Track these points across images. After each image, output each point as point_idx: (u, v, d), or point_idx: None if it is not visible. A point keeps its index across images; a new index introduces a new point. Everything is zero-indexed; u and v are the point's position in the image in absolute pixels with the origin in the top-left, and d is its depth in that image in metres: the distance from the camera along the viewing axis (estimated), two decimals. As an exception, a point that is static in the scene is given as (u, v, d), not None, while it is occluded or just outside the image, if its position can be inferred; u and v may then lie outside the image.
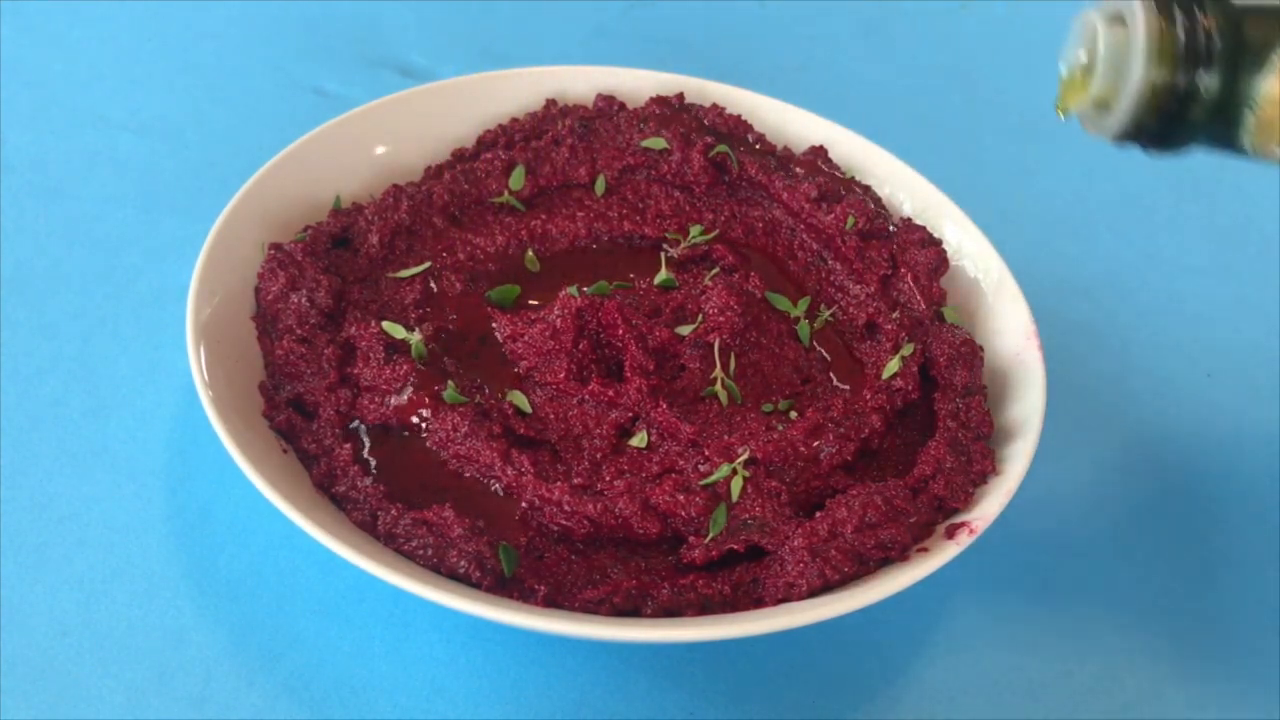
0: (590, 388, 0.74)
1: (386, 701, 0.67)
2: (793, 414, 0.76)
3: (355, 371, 0.74)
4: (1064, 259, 1.02)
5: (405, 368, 0.73)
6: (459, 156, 0.91)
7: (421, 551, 0.66)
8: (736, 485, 0.69)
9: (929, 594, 0.75)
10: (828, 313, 0.84)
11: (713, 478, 0.69)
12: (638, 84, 0.96)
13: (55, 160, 0.97)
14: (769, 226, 0.90)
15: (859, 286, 0.85)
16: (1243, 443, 0.89)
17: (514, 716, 0.67)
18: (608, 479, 0.71)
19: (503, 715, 0.67)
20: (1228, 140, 0.62)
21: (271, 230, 0.81)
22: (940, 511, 0.71)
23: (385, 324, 0.76)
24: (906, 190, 0.91)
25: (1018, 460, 0.72)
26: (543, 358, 0.76)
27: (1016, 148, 1.15)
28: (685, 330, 0.78)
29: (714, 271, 0.84)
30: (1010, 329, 0.81)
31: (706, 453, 0.71)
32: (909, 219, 0.88)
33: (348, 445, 0.71)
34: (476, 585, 0.65)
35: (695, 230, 0.87)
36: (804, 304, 0.83)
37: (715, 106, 0.94)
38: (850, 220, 0.85)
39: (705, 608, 0.66)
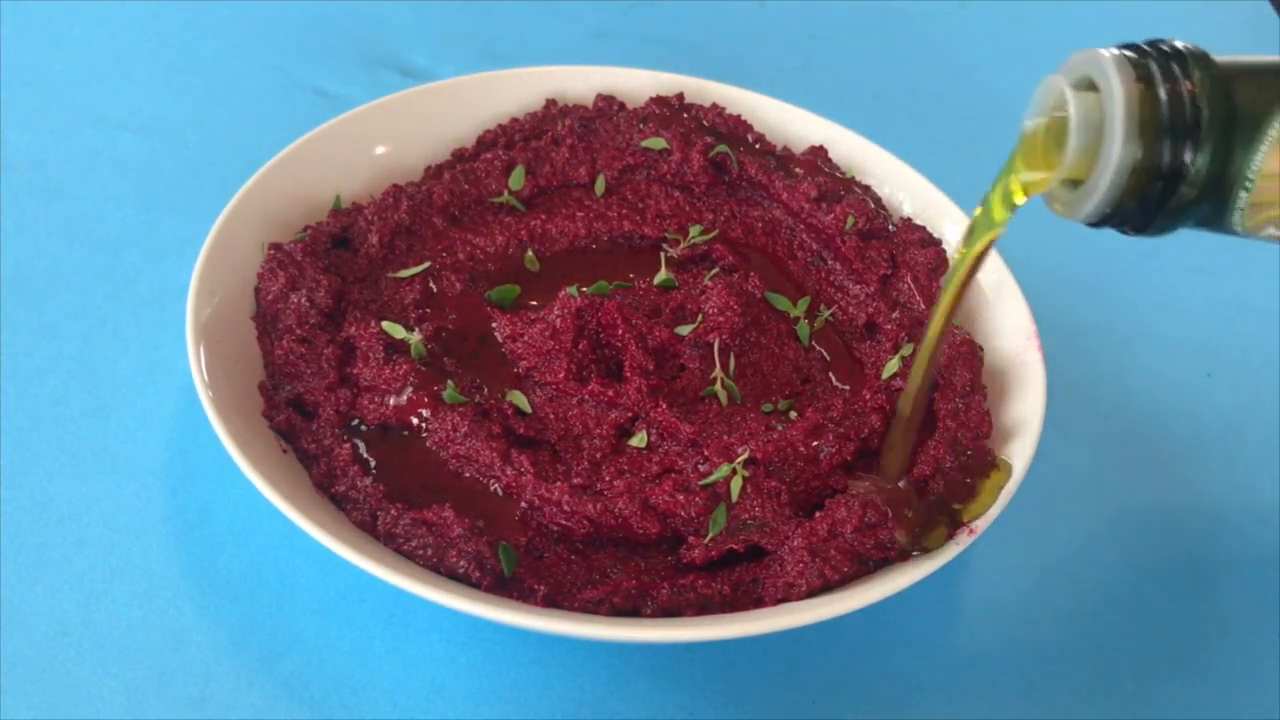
0: (590, 388, 0.74)
1: (386, 701, 0.67)
2: (792, 414, 0.76)
3: (355, 371, 0.74)
4: (1064, 259, 1.02)
5: (405, 368, 0.73)
6: (459, 156, 0.91)
7: (421, 551, 0.66)
8: (736, 485, 0.69)
9: (929, 593, 0.75)
10: (828, 313, 0.84)
11: (712, 478, 0.69)
12: (638, 84, 0.96)
13: (55, 160, 0.97)
14: (769, 226, 0.90)
15: (859, 286, 0.85)
16: (1243, 443, 0.89)
17: (514, 716, 0.67)
18: (608, 479, 0.71)
19: (503, 715, 0.67)
20: (1218, 221, 0.54)
21: (271, 230, 0.81)
22: (940, 511, 0.71)
23: (385, 324, 0.76)
24: (906, 190, 0.91)
25: (1018, 460, 0.72)
26: (542, 358, 0.76)
27: (1016, 148, 1.15)
28: (685, 330, 0.78)
29: (714, 271, 0.84)
30: (1010, 329, 0.81)
31: (706, 453, 0.71)
32: (909, 219, 0.88)
33: (347, 445, 0.71)
34: (476, 585, 0.65)
35: (695, 230, 0.87)
36: (804, 304, 0.83)
37: (715, 106, 0.94)
38: (850, 220, 0.85)
39: (705, 608, 0.66)
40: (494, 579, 0.65)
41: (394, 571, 0.62)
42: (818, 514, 0.68)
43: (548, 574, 0.67)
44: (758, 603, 0.67)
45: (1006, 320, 0.82)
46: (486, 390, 0.75)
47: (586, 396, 0.74)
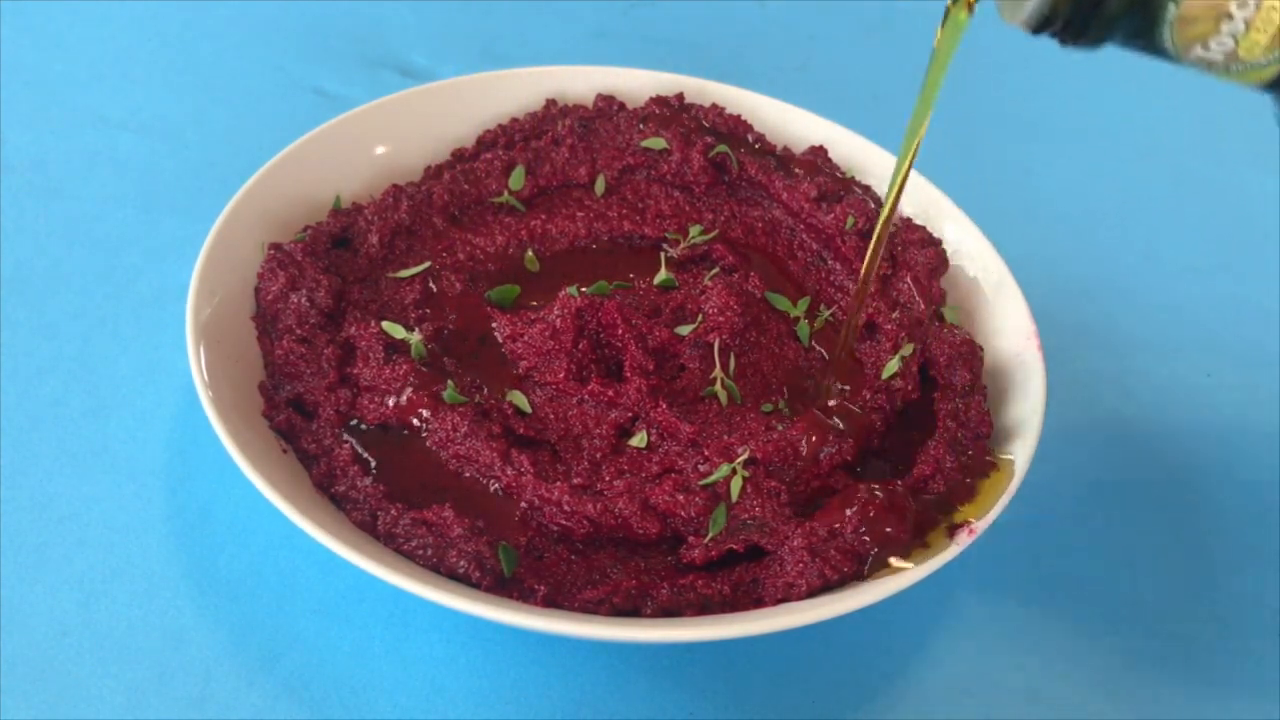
0: (590, 388, 0.74)
1: (386, 701, 0.67)
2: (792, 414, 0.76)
3: (355, 371, 0.74)
4: (1064, 259, 1.02)
5: (405, 368, 0.73)
6: (459, 156, 0.91)
7: (421, 551, 0.66)
8: (736, 485, 0.69)
9: (929, 594, 0.75)
10: (828, 313, 0.84)
11: (712, 478, 0.69)
12: (638, 84, 0.96)
13: (55, 160, 0.97)
14: (769, 226, 0.90)
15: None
16: (1243, 443, 0.89)
17: (514, 716, 0.67)
18: (608, 479, 0.71)
19: (503, 715, 0.67)
20: (1149, 36, 0.55)
21: (271, 230, 0.81)
22: (940, 511, 0.71)
23: (385, 324, 0.76)
24: (907, 190, 0.91)
25: (1018, 460, 0.72)
26: (542, 358, 0.76)
27: (1016, 148, 1.15)
28: (685, 330, 0.78)
29: (714, 271, 0.84)
30: (1010, 329, 0.81)
31: (706, 453, 0.71)
32: (909, 219, 0.88)
33: (347, 445, 0.71)
34: (476, 585, 0.65)
35: (695, 230, 0.87)
36: (804, 304, 0.83)
37: (715, 106, 0.94)
38: (850, 220, 0.85)
39: (705, 608, 0.66)
40: (494, 579, 0.65)
41: (394, 571, 0.62)
42: (818, 514, 0.68)
43: (548, 574, 0.67)
44: (758, 603, 0.67)
45: (1006, 320, 0.82)
46: (486, 390, 0.75)
47: (586, 396, 0.74)
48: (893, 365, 0.77)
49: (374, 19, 1.19)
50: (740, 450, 0.71)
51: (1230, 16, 0.53)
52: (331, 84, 1.09)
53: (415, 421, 0.72)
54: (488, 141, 0.92)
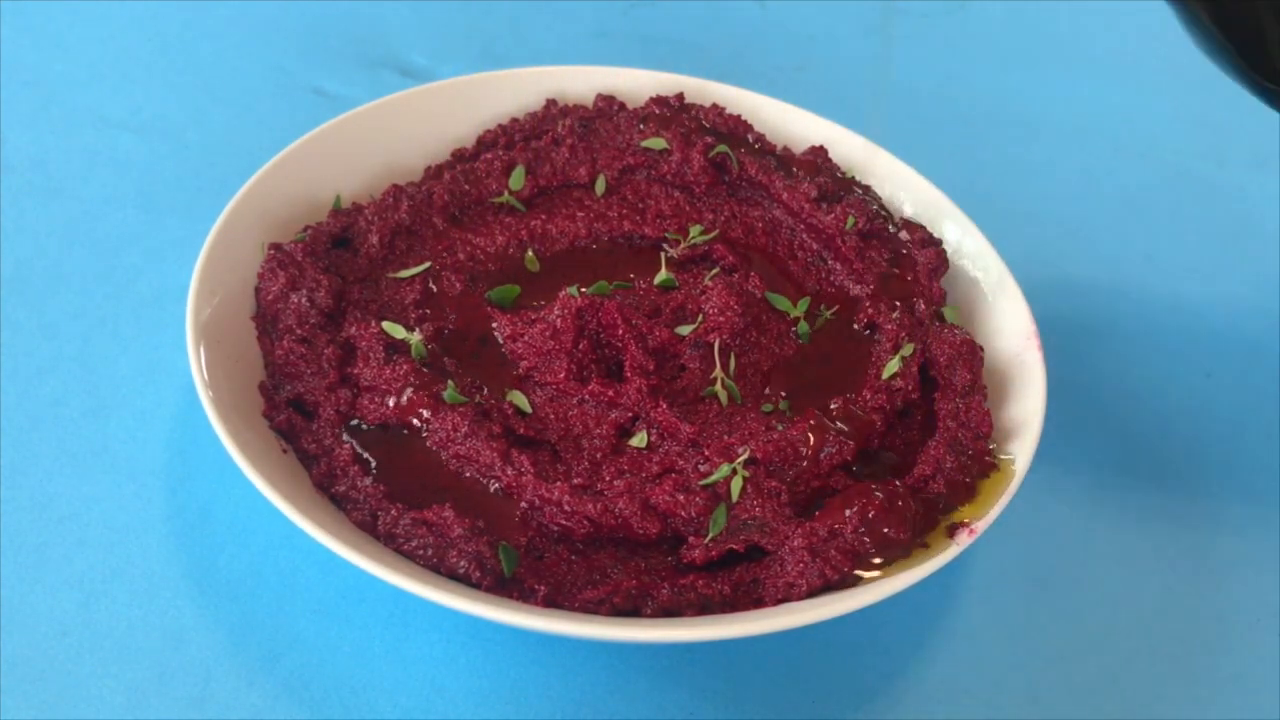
0: (590, 388, 0.74)
1: (386, 701, 0.67)
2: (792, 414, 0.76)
3: (355, 371, 0.74)
4: (1064, 259, 1.02)
5: (405, 368, 0.73)
6: (459, 156, 0.91)
7: (421, 551, 0.66)
8: (736, 485, 0.69)
9: (929, 594, 0.75)
10: (828, 313, 0.84)
11: (713, 478, 0.69)
12: (638, 84, 0.96)
13: (55, 160, 0.97)
14: (769, 226, 0.90)
15: (859, 286, 0.85)
16: (1243, 443, 0.89)
17: (514, 716, 0.67)
18: (608, 479, 0.71)
19: (503, 715, 0.67)
20: None
21: (271, 230, 0.81)
22: (940, 511, 0.71)
23: (385, 324, 0.76)
24: (906, 190, 0.91)
25: (1018, 460, 0.72)
26: (543, 358, 0.76)
27: (1016, 148, 1.15)
28: (685, 330, 0.78)
29: (714, 271, 0.84)
30: (1010, 329, 0.81)
31: (706, 453, 0.71)
32: (909, 219, 0.88)
33: (347, 445, 0.71)
34: (476, 585, 0.65)
35: (695, 230, 0.87)
36: (804, 304, 0.83)
37: (715, 106, 0.94)
38: (850, 220, 0.85)
39: (705, 608, 0.66)
40: (494, 579, 0.65)
41: (394, 571, 0.62)
42: (818, 514, 0.68)
43: (548, 574, 0.67)
44: (758, 603, 0.67)
45: (1006, 320, 0.82)
46: (486, 390, 0.75)
47: (587, 396, 0.74)
48: (893, 365, 0.77)
49: (374, 19, 1.19)
50: (740, 450, 0.71)
51: None
52: (331, 84, 1.09)
53: (415, 421, 0.72)
54: (488, 141, 0.92)
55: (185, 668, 0.67)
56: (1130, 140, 1.18)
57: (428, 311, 0.79)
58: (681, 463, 0.71)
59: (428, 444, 0.72)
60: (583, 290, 0.77)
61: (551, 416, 0.74)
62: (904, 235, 0.86)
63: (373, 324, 0.76)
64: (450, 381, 0.74)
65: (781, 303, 0.83)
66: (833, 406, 0.75)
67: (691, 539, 0.68)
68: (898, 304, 0.82)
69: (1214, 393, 0.93)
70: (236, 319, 0.76)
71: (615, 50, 1.20)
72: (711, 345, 0.77)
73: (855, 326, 0.83)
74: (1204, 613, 0.78)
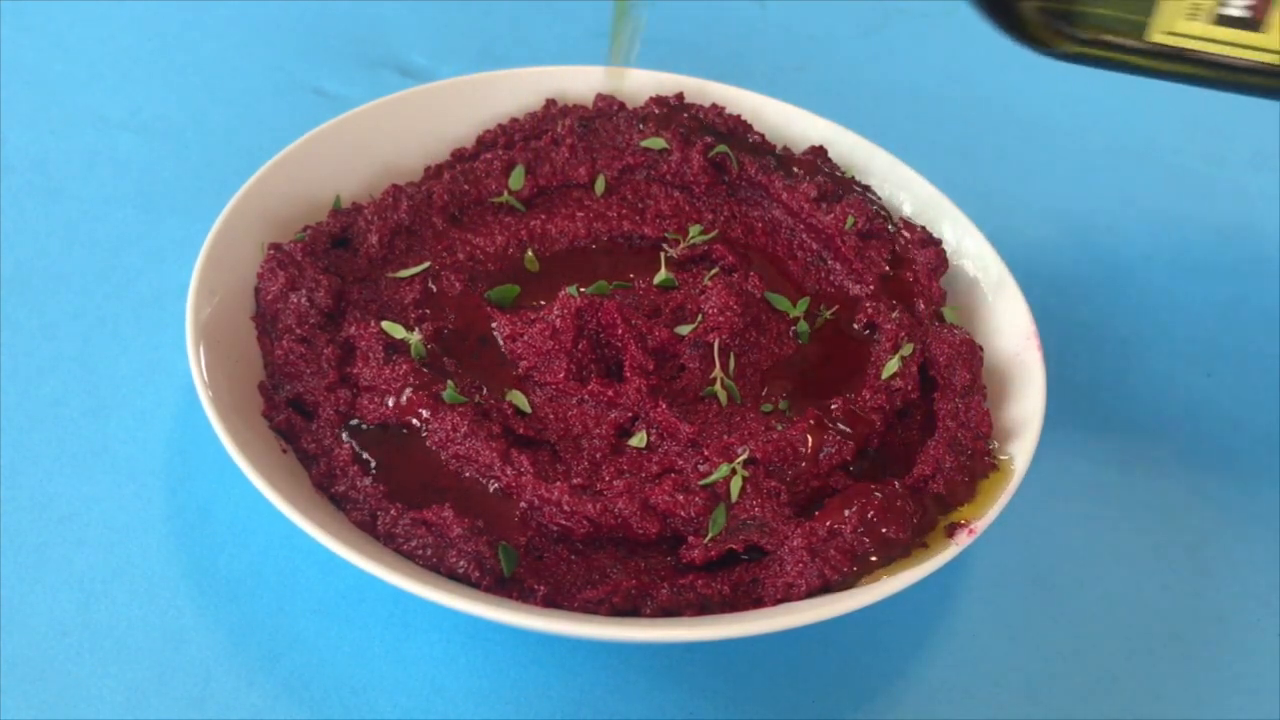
0: (590, 388, 0.74)
1: (386, 701, 0.67)
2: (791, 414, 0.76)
3: (355, 371, 0.74)
4: (1064, 259, 1.02)
5: (405, 367, 0.73)
6: (459, 156, 0.91)
7: (421, 551, 0.66)
8: (736, 485, 0.69)
9: (929, 594, 0.75)
10: (828, 313, 0.84)
11: (712, 478, 0.69)
12: (638, 84, 0.96)
13: (55, 160, 0.97)
14: (769, 226, 0.90)
15: (859, 286, 0.85)
16: (1243, 443, 0.89)
17: (514, 716, 0.67)
18: (607, 479, 0.71)
19: (502, 715, 0.67)
20: None
21: (271, 230, 0.81)
22: (940, 511, 0.71)
23: (385, 324, 0.76)
24: (906, 190, 0.91)
25: (1018, 460, 0.72)
26: (542, 358, 0.76)
27: (1016, 148, 1.15)
28: (685, 330, 0.78)
29: (713, 271, 0.84)
30: (1010, 329, 0.81)
31: (706, 453, 0.71)
32: (909, 219, 0.88)
33: (347, 445, 0.71)
34: (476, 585, 0.65)
35: (695, 230, 0.87)
36: (804, 304, 0.83)
37: (715, 106, 0.94)
38: (850, 220, 0.85)
39: (705, 608, 0.66)
40: (494, 579, 0.65)
41: (394, 571, 0.62)
42: (817, 514, 0.68)
43: (548, 574, 0.67)
44: (757, 603, 0.67)
45: (1006, 320, 0.82)
46: (486, 390, 0.75)
47: (586, 396, 0.74)
48: (893, 365, 0.77)
49: (374, 19, 1.19)
50: (740, 450, 0.71)
51: None
52: (331, 84, 1.09)
53: (415, 421, 0.72)
54: (488, 141, 0.92)
55: (185, 668, 0.67)
56: (1130, 140, 1.18)
57: (427, 311, 0.79)
58: (681, 463, 0.71)
59: (427, 444, 0.72)
60: (582, 290, 0.77)
61: (551, 416, 0.74)
62: (904, 235, 0.86)
63: (372, 324, 0.76)
64: (450, 381, 0.74)
65: (781, 303, 0.83)
66: (832, 406, 0.75)
67: (691, 539, 0.68)
68: (897, 304, 0.82)
69: (1214, 393, 0.93)
70: (236, 319, 0.76)
71: (615, 50, 1.20)
72: (711, 345, 0.77)
73: (855, 326, 0.83)
74: (1204, 613, 0.78)
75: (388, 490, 0.69)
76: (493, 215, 0.87)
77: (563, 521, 0.68)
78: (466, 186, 0.87)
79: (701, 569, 0.68)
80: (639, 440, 0.73)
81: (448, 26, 1.19)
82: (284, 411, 0.73)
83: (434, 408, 0.72)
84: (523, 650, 0.70)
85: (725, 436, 0.72)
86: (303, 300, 0.76)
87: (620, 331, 0.76)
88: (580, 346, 0.76)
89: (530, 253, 0.85)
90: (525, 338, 0.77)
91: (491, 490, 0.70)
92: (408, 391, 0.72)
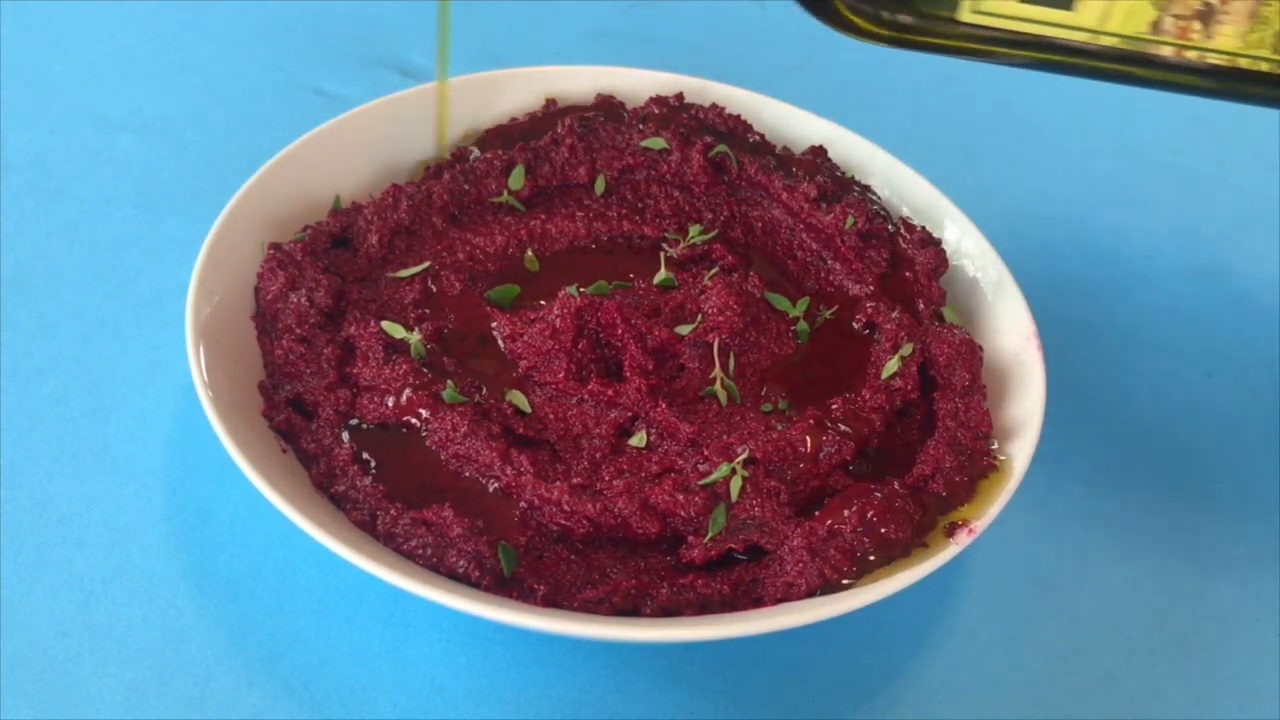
0: (590, 387, 0.74)
1: (386, 701, 0.67)
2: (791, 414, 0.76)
3: (355, 371, 0.74)
4: (1064, 259, 1.02)
5: (405, 367, 0.73)
6: (459, 156, 0.91)
7: (421, 551, 0.66)
8: (736, 485, 0.69)
9: (929, 593, 0.75)
10: (828, 313, 0.84)
11: (712, 477, 0.69)
12: (638, 84, 0.96)
13: (55, 160, 0.97)
14: (768, 226, 0.90)
15: (859, 286, 0.85)
16: (1243, 443, 0.89)
17: (514, 716, 0.67)
18: (607, 479, 0.71)
19: (502, 715, 0.67)
20: None
21: (271, 230, 0.81)
22: (940, 511, 0.71)
23: (385, 324, 0.76)
24: (906, 190, 0.91)
25: (1018, 460, 0.72)
26: (542, 357, 0.76)
27: (1016, 148, 1.15)
28: (685, 330, 0.78)
29: (713, 271, 0.84)
30: (1010, 329, 0.81)
31: (706, 452, 0.71)
32: (909, 219, 0.88)
33: (347, 445, 0.71)
34: (476, 585, 0.65)
35: (695, 230, 0.87)
36: (804, 304, 0.83)
37: (715, 106, 0.94)
38: (850, 220, 0.85)
39: (704, 607, 0.66)
40: (494, 579, 0.65)
41: (394, 571, 0.62)
42: (817, 514, 0.68)
43: (547, 574, 0.67)
44: (757, 603, 0.67)
45: (1006, 320, 0.82)
46: (486, 390, 0.75)
47: (586, 396, 0.74)
48: (892, 365, 0.77)
49: (374, 19, 1.19)
50: (740, 450, 0.71)
51: None
52: (331, 84, 1.09)
53: (415, 421, 0.72)
54: (488, 141, 0.92)
55: (185, 668, 0.67)
56: (1130, 140, 1.18)
57: (427, 311, 0.79)
58: (681, 462, 0.71)
59: (427, 444, 0.72)
60: (582, 290, 0.77)
61: (551, 416, 0.74)
62: (904, 235, 0.86)
63: (372, 324, 0.76)
64: (449, 381, 0.74)
65: (781, 303, 0.83)
66: (832, 406, 0.75)
67: (691, 539, 0.68)
68: (897, 304, 0.82)
69: (1214, 393, 0.93)
70: (236, 319, 0.76)
71: (615, 50, 1.20)
72: (711, 345, 0.77)
73: (855, 326, 0.83)
74: (1204, 613, 0.78)
75: (387, 490, 0.69)
76: (493, 215, 0.87)
77: (563, 521, 0.68)
78: (466, 186, 0.87)
79: (701, 569, 0.68)
80: (639, 440, 0.73)
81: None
82: (284, 411, 0.73)
83: (434, 407, 0.72)
84: (523, 650, 0.70)
85: (725, 436, 0.72)
86: (303, 300, 0.76)
87: (620, 331, 0.76)
88: (580, 346, 0.76)
89: (530, 253, 0.85)
90: (525, 337, 0.77)
91: (491, 490, 0.70)
92: (407, 391, 0.72)
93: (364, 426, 0.73)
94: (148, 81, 1.07)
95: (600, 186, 0.89)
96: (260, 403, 0.73)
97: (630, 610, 0.65)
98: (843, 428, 0.73)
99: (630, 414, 0.74)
